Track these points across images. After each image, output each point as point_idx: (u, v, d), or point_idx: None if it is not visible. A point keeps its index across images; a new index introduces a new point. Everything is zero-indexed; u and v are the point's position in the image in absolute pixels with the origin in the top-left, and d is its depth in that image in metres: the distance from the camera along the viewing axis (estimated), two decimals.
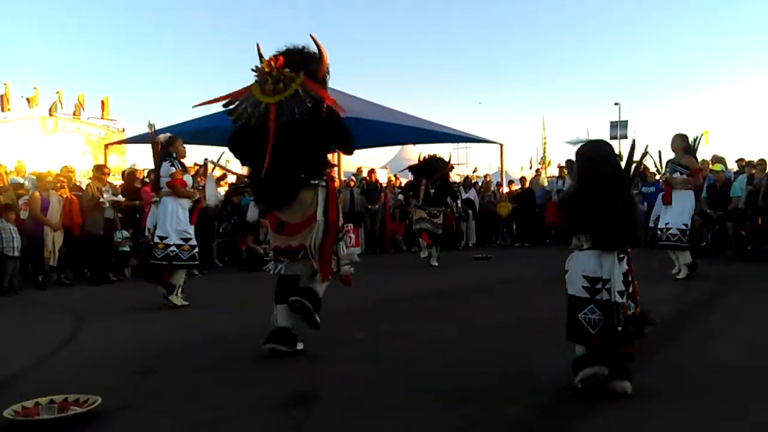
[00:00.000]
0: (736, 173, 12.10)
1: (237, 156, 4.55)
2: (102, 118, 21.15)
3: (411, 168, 11.21)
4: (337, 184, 4.43)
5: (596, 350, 3.31)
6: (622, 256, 3.29)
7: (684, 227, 7.83)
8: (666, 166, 8.36)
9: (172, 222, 6.77)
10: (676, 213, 7.89)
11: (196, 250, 6.94)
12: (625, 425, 3.06)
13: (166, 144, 6.96)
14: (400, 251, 14.13)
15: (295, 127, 4.20)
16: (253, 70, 4.43)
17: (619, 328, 3.22)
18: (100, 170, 10.07)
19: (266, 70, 4.31)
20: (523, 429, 3.07)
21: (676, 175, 7.96)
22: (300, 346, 4.45)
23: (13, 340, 5.42)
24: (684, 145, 7.99)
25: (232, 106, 4.45)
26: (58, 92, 20.02)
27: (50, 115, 19.61)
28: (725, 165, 11.82)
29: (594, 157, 3.43)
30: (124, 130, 20.93)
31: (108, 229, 9.37)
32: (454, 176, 19.73)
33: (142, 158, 19.71)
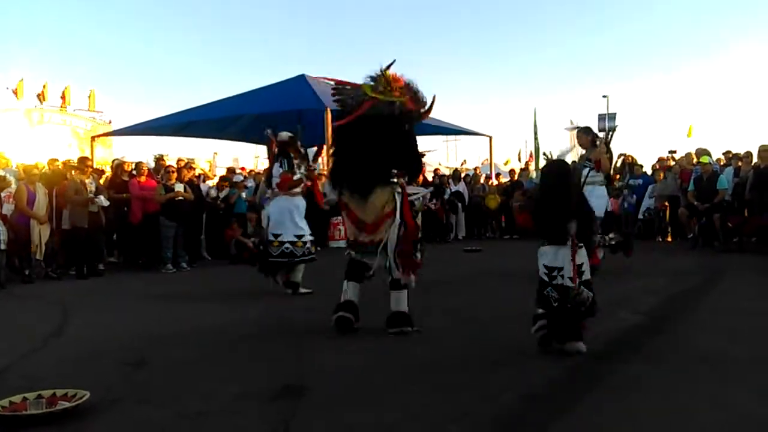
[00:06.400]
0: (723, 166, 12.21)
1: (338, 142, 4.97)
2: (88, 110, 20.99)
3: None
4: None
5: (551, 315, 4.04)
6: (575, 248, 3.97)
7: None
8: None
9: (286, 220, 6.79)
10: None
11: (308, 245, 6.94)
12: (611, 413, 3.09)
13: (286, 144, 6.90)
14: None
15: (377, 122, 4.62)
16: (373, 76, 4.82)
17: (568, 305, 3.97)
18: (83, 162, 9.95)
19: (386, 81, 4.71)
20: (512, 417, 3.10)
21: (586, 170, 7.99)
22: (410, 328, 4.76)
23: (0, 334, 5.37)
24: (591, 139, 7.93)
25: (339, 95, 4.87)
26: (43, 84, 19.85)
27: (40, 102, 19.42)
28: (710, 157, 11.90)
29: (548, 173, 4.24)
30: (110, 122, 20.77)
31: (93, 223, 9.28)
32: (444, 169, 19.87)
33: (129, 151, 19.61)
